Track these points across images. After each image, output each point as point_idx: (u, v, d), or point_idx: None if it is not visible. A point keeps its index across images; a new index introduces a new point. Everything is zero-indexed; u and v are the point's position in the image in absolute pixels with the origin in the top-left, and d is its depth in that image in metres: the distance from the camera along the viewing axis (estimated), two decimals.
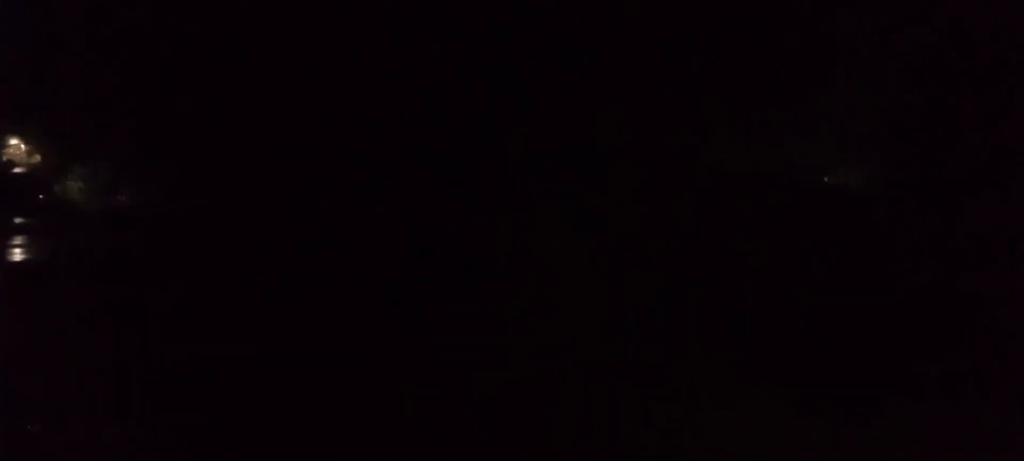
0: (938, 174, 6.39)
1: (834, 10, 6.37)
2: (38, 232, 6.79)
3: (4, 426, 4.89)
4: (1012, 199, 6.16)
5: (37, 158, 6.96)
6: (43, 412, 5.01)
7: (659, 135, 6.55)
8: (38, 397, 5.15)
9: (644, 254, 6.40)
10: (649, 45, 6.45)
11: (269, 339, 5.80)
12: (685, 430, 4.87)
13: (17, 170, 6.90)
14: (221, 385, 5.38)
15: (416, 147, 6.63)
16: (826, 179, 6.79)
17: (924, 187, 6.44)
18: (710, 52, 6.40)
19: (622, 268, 6.36)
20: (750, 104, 6.48)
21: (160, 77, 6.57)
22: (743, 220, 6.43)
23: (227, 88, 6.58)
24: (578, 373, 5.52)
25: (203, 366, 5.56)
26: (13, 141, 6.94)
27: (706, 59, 6.41)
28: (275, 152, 6.63)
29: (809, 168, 6.69)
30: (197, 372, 5.50)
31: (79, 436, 4.80)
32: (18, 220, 6.88)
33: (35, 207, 6.90)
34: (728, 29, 6.40)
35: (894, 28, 6.33)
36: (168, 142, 6.77)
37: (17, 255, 6.70)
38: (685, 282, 6.26)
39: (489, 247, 6.48)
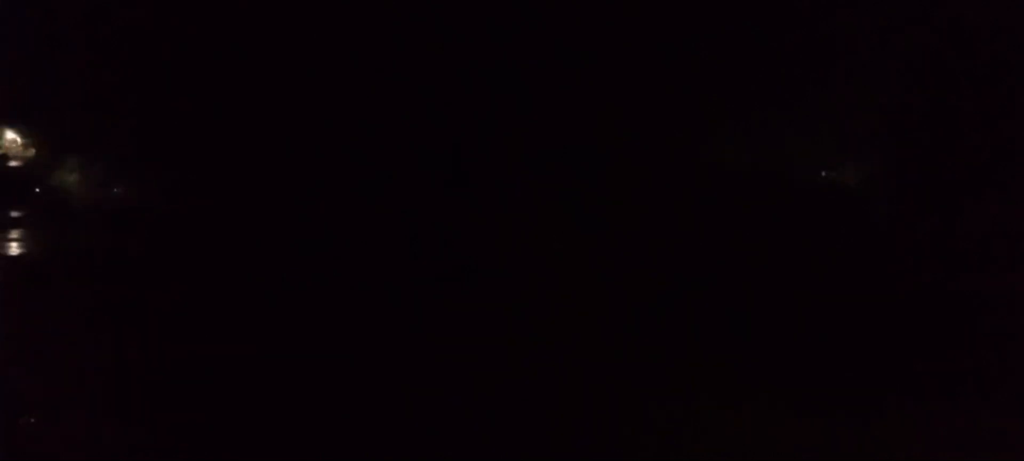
0: (938, 174, 6.40)
1: (834, 11, 6.37)
2: (36, 230, 6.79)
3: (4, 426, 4.89)
4: (1012, 199, 6.16)
5: (35, 156, 6.95)
6: (42, 411, 5.02)
7: (659, 135, 6.55)
8: (37, 396, 5.15)
9: (644, 254, 6.40)
10: (649, 46, 6.45)
11: (269, 339, 5.80)
12: (685, 430, 4.86)
13: (13, 164, 6.90)
14: (220, 384, 5.38)
15: (416, 147, 6.63)
16: (825, 178, 6.80)
17: (924, 187, 6.45)
18: (710, 53, 6.40)
19: (622, 268, 6.36)
20: (750, 104, 6.48)
21: (159, 77, 6.57)
22: (743, 220, 6.43)
23: (227, 89, 6.58)
24: (578, 373, 5.52)
25: (202, 366, 5.55)
26: (11, 138, 6.94)
27: (706, 60, 6.41)
28: (275, 152, 6.63)
29: (809, 168, 6.70)
30: (196, 372, 5.50)
31: (79, 435, 4.80)
32: (15, 217, 6.88)
33: (33, 205, 6.90)
34: (728, 30, 6.40)
35: (894, 28, 6.34)
36: (167, 142, 6.77)
37: (15, 253, 6.71)
38: (685, 282, 6.26)
39: (489, 247, 6.48)
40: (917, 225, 6.37)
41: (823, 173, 6.75)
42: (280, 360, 5.56)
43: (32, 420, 4.93)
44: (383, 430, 4.86)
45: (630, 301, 6.20)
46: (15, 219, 6.85)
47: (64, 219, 6.77)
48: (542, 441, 4.78)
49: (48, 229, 6.76)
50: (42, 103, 6.67)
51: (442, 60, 6.46)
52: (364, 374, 5.46)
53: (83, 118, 6.66)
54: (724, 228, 6.40)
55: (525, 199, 6.53)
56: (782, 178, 6.57)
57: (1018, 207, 6.15)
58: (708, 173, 6.52)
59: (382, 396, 5.25)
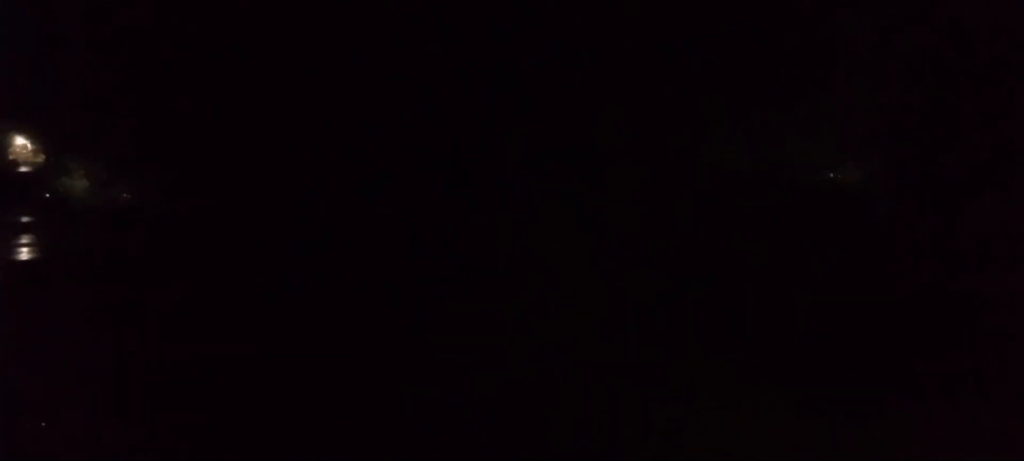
0: (938, 174, 6.40)
1: (834, 11, 6.37)
2: (45, 233, 6.83)
3: (4, 426, 4.89)
4: (1012, 199, 6.16)
5: (45, 161, 6.98)
6: (43, 412, 5.02)
7: (659, 136, 6.55)
8: (38, 397, 5.16)
9: (644, 254, 6.40)
10: (649, 46, 6.45)
11: (270, 339, 5.80)
12: (685, 430, 4.87)
13: (23, 170, 6.92)
14: (231, 383, 5.39)
15: (416, 147, 6.63)
16: (825, 178, 6.79)
17: (924, 187, 6.45)
18: (710, 53, 6.40)
19: (622, 268, 6.36)
20: (749, 105, 6.48)
21: (164, 80, 6.57)
22: (743, 220, 6.43)
23: (229, 89, 6.58)
24: (578, 373, 5.52)
25: (203, 366, 5.56)
26: (21, 144, 6.97)
27: (706, 60, 6.41)
28: (275, 152, 6.63)
29: (809, 168, 6.69)
30: (197, 372, 5.50)
31: (79, 436, 4.81)
32: (25, 222, 6.92)
33: (43, 209, 6.93)
34: (728, 30, 6.40)
35: (894, 28, 6.33)
36: (167, 142, 6.78)
37: (26, 257, 6.76)
38: (685, 282, 6.26)
39: (489, 247, 6.48)
40: (917, 225, 6.37)
41: (830, 174, 6.75)
42: (281, 360, 5.56)
43: (43, 424, 4.94)
44: (383, 430, 4.86)
45: (631, 301, 6.20)
46: (25, 223, 6.90)
47: (72, 222, 6.81)
48: (542, 441, 4.78)
49: (57, 232, 6.81)
50: (50, 108, 6.70)
51: (441, 60, 6.46)
52: (364, 374, 5.46)
53: (91, 123, 6.67)
54: (724, 228, 6.40)
55: (525, 199, 6.53)
56: (781, 178, 6.56)
57: (1018, 207, 6.15)
58: (707, 173, 6.52)
59: (382, 396, 5.25)
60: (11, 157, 6.91)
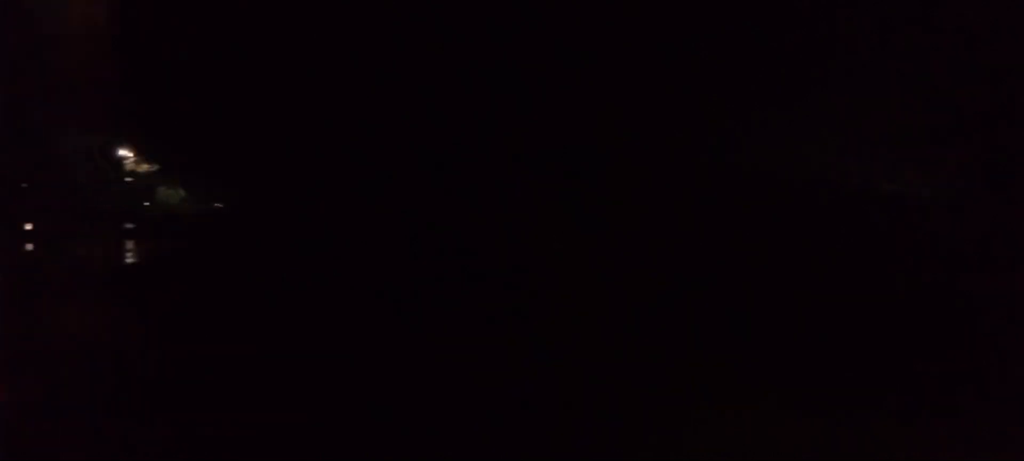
0: (938, 174, 6.40)
1: (835, 10, 6.37)
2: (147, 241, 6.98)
3: (4, 426, 4.90)
4: (1012, 199, 6.16)
5: (148, 171, 7.08)
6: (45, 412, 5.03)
7: (659, 135, 6.55)
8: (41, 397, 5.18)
9: (645, 254, 6.40)
10: (650, 46, 6.45)
11: (272, 339, 5.82)
12: (685, 430, 4.87)
13: (128, 180, 7.02)
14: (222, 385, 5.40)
15: (416, 148, 6.63)
16: (826, 178, 6.79)
17: (924, 187, 6.45)
18: (710, 52, 6.40)
19: (623, 268, 6.37)
20: (749, 104, 6.48)
21: (160, 77, 6.58)
22: (743, 220, 6.43)
23: (232, 88, 6.59)
24: (578, 372, 5.53)
25: (204, 366, 5.57)
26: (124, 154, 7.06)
27: (706, 59, 6.41)
28: (277, 153, 6.64)
29: (808, 168, 6.69)
30: (198, 372, 5.52)
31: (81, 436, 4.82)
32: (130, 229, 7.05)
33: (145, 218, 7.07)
34: (729, 29, 6.40)
35: (895, 28, 6.33)
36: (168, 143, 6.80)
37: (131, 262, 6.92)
38: (685, 282, 6.26)
39: (489, 247, 6.49)
40: (917, 225, 6.37)
41: (830, 174, 6.73)
42: (282, 360, 5.58)
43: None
44: (384, 430, 4.87)
45: (631, 301, 6.20)
46: (129, 230, 7.05)
47: (172, 230, 6.94)
48: (542, 441, 4.80)
49: (157, 240, 6.96)
50: (156, 120, 6.80)
51: (441, 60, 6.47)
52: (365, 374, 5.47)
53: (192, 135, 6.77)
54: (723, 228, 6.41)
55: (525, 199, 6.54)
56: (780, 178, 6.57)
57: (1018, 207, 6.15)
58: (707, 173, 6.53)
59: (383, 396, 5.27)
60: (127, 173, 7.01)
